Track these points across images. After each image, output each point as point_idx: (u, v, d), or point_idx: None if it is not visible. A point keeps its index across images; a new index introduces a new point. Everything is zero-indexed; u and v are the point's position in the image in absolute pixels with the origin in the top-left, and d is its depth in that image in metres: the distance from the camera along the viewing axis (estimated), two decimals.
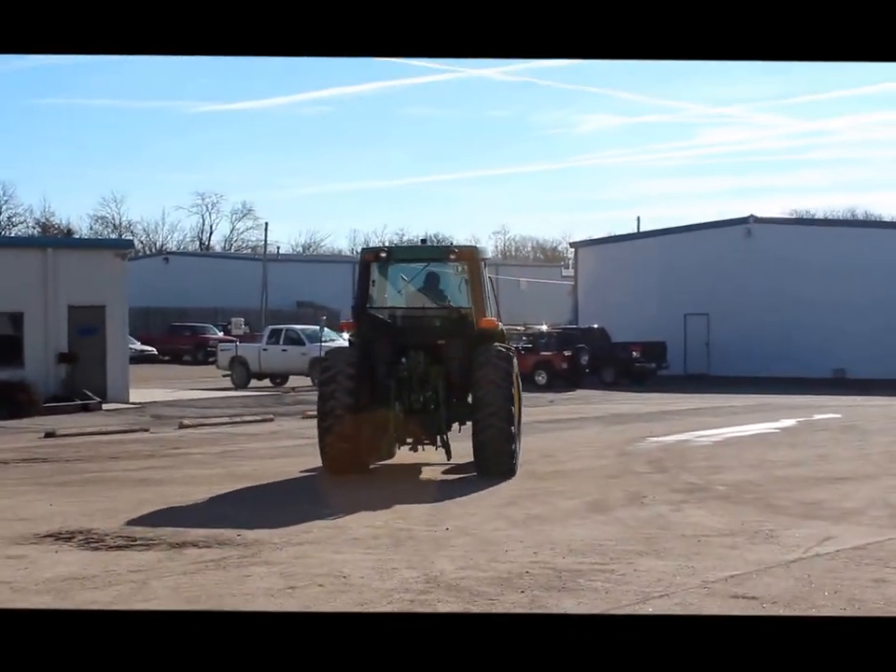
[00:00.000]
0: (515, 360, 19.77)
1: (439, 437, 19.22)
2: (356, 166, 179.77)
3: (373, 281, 20.42)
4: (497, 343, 19.58)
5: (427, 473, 19.36)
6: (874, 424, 28.24)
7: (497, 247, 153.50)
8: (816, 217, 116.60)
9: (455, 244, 23.76)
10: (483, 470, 18.75)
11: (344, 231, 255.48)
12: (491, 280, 21.74)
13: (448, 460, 19.41)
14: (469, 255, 20.50)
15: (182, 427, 28.26)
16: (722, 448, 23.05)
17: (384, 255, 20.84)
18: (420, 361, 19.41)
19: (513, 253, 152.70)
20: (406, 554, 12.31)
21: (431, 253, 22.39)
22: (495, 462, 18.68)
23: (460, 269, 20.61)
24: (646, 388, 44.23)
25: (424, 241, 43.85)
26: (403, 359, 19.50)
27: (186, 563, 11.98)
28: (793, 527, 13.79)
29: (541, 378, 44.79)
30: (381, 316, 20.16)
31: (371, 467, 19.37)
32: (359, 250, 20.44)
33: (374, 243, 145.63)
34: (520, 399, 20.11)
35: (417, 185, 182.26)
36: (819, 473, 18.88)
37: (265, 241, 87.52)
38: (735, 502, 15.87)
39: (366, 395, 19.12)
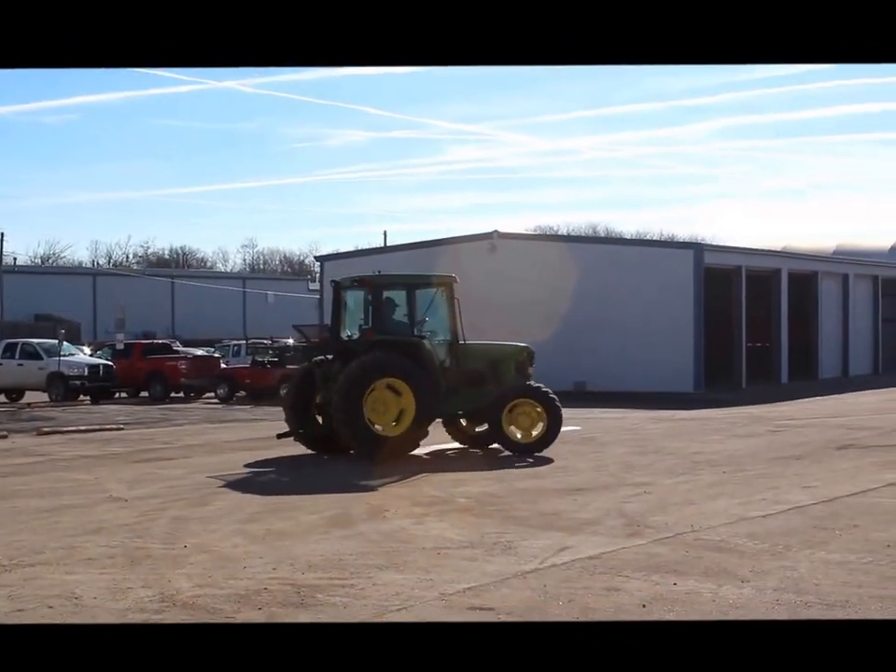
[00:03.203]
0: (390, 362, 23.51)
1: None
2: (99, 176, 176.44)
3: (345, 304, 25.43)
4: (377, 351, 23.61)
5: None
6: (610, 435, 28.98)
7: (245, 261, 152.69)
8: (558, 233, 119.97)
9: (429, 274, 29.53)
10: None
11: (86, 242, 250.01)
12: (452, 301, 27.50)
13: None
14: (368, 282, 24.99)
15: None
16: (465, 461, 23.29)
17: (332, 284, 25.82)
18: (335, 367, 24.07)
19: (262, 266, 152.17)
20: (142, 573, 12.02)
21: (346, 283, 26.37)
22: (341, 439, 23.39)
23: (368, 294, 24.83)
24: None
25: (378, 272, 49.33)
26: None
27: None
28: (531, 538, 13.99)
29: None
30: (339, 334, 25.13)
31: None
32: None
33: (117, 254, 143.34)
34: (416, 395, 23.36)
35: (163, 196, 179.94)
36: (558, 485, 19.24)
37: (0, 251, 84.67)
38: (477, 514, 16.02)
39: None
